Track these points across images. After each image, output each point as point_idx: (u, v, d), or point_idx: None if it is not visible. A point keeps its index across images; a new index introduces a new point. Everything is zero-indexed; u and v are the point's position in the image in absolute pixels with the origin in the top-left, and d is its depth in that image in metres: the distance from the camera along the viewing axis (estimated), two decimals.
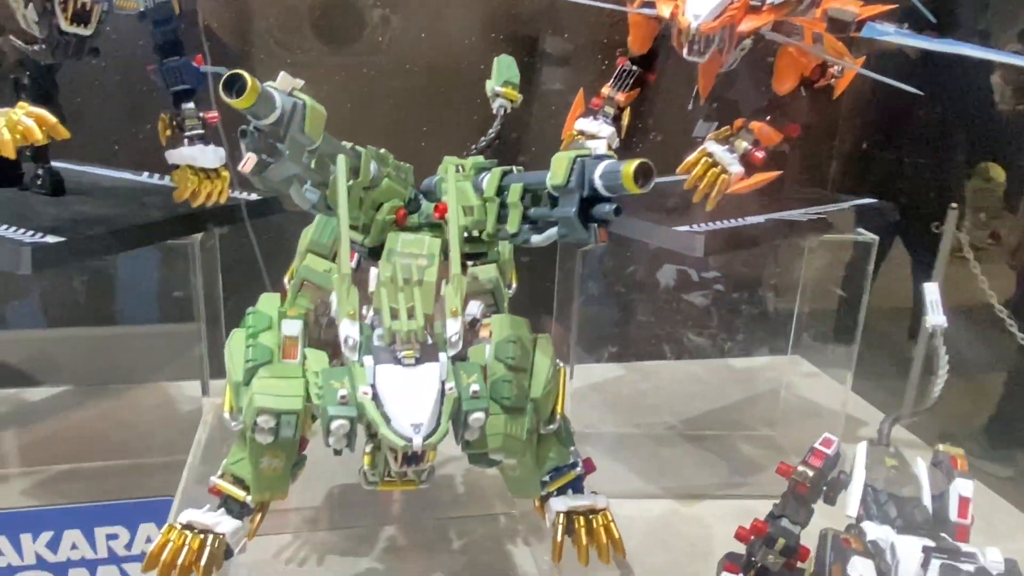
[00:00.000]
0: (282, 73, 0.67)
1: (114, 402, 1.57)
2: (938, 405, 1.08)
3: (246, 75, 0.62)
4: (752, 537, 1.04)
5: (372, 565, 1.16)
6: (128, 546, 1.00)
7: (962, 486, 0.89)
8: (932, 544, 0.82)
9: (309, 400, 0.72)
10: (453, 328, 0.75)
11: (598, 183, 0.67)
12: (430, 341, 0.72)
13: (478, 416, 0.70)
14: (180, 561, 0.75)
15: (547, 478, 0.87)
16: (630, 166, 0.63)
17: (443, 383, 0.70)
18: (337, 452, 0.72)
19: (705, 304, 1.78)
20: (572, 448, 0.88)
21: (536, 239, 0.77)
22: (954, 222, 1.63)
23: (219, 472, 0.82)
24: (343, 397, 0.67)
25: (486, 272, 0.93)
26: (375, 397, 0.68)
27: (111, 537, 0.99)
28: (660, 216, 1.16)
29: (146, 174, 1.35)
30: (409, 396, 0.67)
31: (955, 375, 1.03)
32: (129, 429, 1.50)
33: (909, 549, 0.81)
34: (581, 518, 0.83)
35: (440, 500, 1.33)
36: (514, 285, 1.02)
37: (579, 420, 1.68)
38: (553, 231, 0.74)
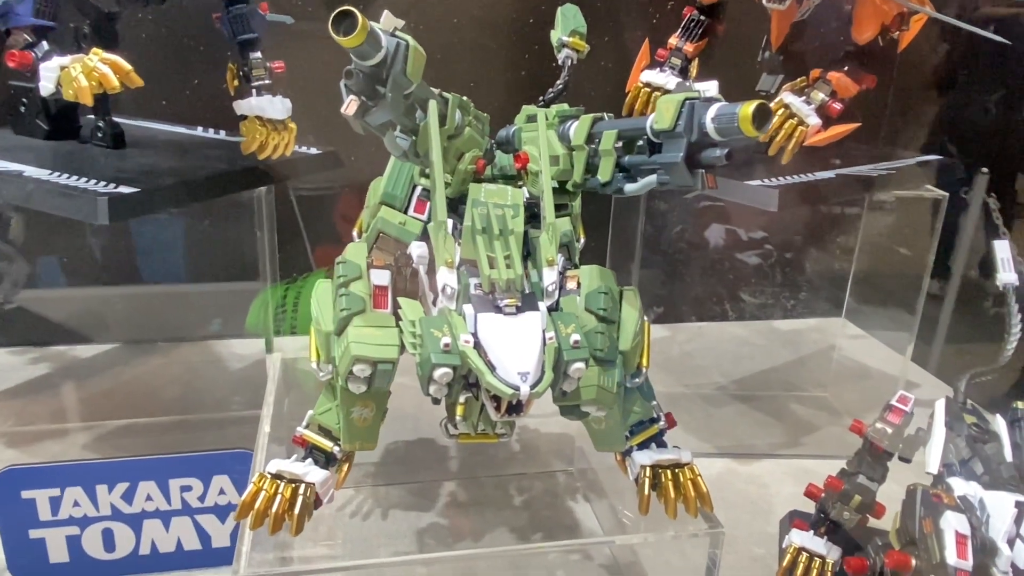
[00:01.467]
0: (386, 12, 0.65)
1: (167, 359, 1.57)
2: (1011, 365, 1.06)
3: (356, 12, 0.59)
4: (823, 495, 1.04)
5: (435, 520, 1.17)
6: (201, 498, 1.01)
7: None
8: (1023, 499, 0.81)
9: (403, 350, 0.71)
10: (550, 278, 0.74)
11: (709, 126, 0.64)
12: (528, 290, 0.71)
13: (579, 366, 0.69)
14: (274, 510, 0.76)
15: (630, 432, 0.86)
16: (748, 107, 0.61)
17: (543, 332, 0.69)
18: (436, 401, 0.71)
19: (752, 264, 1.75)
20: (654, 403, 0.87)
21: (631, 188, 0.75)
22: (983, 187, 1.59)
23: (304, 423, 0.82)
24: (446, 345, 0.66)
25: (562, 225, 0.92)
26: (477, 346, 0.67)
27: (185, 489, 0.99)
28: (728, 170, 1.13)
29: (200, 128, 1.33)
30: (514, 345, 0.66)
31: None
32: (184, 385, 1.50)
33: (1001, 504, 0.80)
34: (668, 471, 0.83)
35: (496, 458, 1.33)
36: (582, 239, 1.00)
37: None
38: (651, 179, 0.71)
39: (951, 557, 0.75)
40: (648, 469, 0.83)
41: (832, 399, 1.58)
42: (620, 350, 0.78)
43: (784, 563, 1.04)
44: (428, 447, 1.33)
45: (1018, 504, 0.79)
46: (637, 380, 0.82)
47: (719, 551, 0.82)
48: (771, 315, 1.89)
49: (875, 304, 1.68)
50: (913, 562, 0.80)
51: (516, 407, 0.68)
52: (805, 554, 1.03)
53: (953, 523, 0.77)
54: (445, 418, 0.83)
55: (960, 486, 0.85)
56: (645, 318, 0.83)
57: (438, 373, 0.66)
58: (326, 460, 0.81)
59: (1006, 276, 1.05)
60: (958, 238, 1.85)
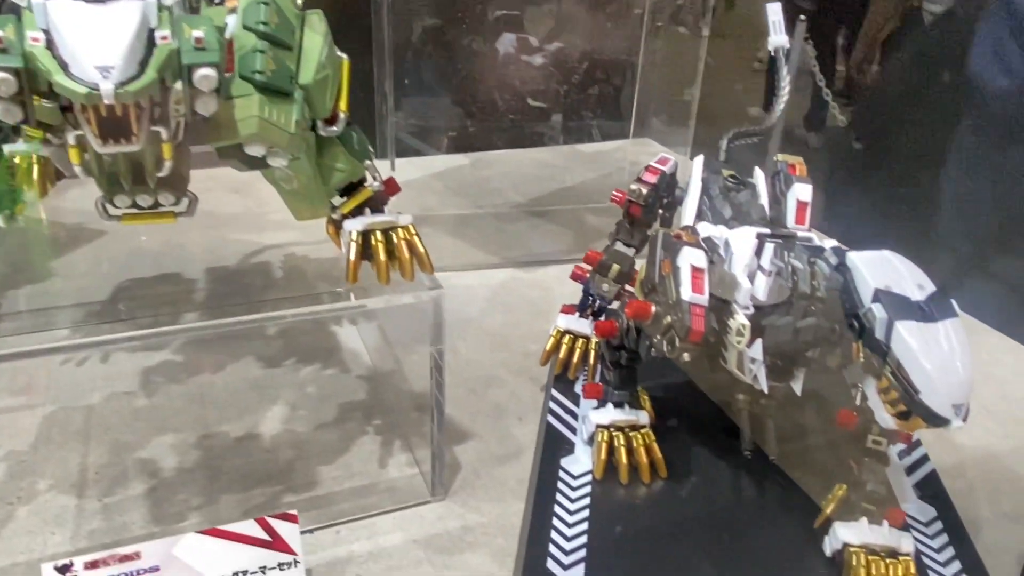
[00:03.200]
0: None
1: None
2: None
3: None
4: (588, 275, 0.97)
5: (169, 358, 1.01)
6: None
7: (800, 191, 0.82)
8: (767, 231, 0.75)
9: None
10: None
11: None
12: None
13: (205, 73, 0.54)
14: None
15: (339, 199, 0.73)
16: None
17: (152, 31, 0.52)
18: (11, 130, 0.54)
19: (546, 75, 1.63)
20: (368, 163, 0.74)
21: None
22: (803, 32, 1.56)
23: None
24: (0, 42, 0.49)
25: None
26: (50, 45, 0.50)
27: None
28: None
29: None
30: (94, 35, 0.49)
31: None
32: None
33: (743, 239, 0.74)
34: (379, 233, 0.70)
35: (253, 285, 1.17)
36: None
37: (416, 206, 1.56)
38: None
39: (686, 292, 0.68)
40: (356, 233, 0.70)
41: None
42: (300, 84, 0.63)
43: (548, 346, 0.97)
44: (171, 282, 1.15)
45: (759, 236, 0.73)
46: (334, 129, 0.68)
47: (440, 311, 0.72)
48: (577, 140, 1.81)
49: (668, 123, 1.63)
50: (653, 308, 0.73)
51: (118, 126, 0.52)
52: (569, 335, 0.97)
53: (689, 258, 0.70)
54: (100, 195, 0.66)
55: (707, 229, 0.78)
56: (343, 55, 0.68)
57: None
58: None
59: (777, 39, 0.98)
60: None
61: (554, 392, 0.93)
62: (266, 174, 0.67)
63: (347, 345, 1.06)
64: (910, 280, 0.61)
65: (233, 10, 0.63)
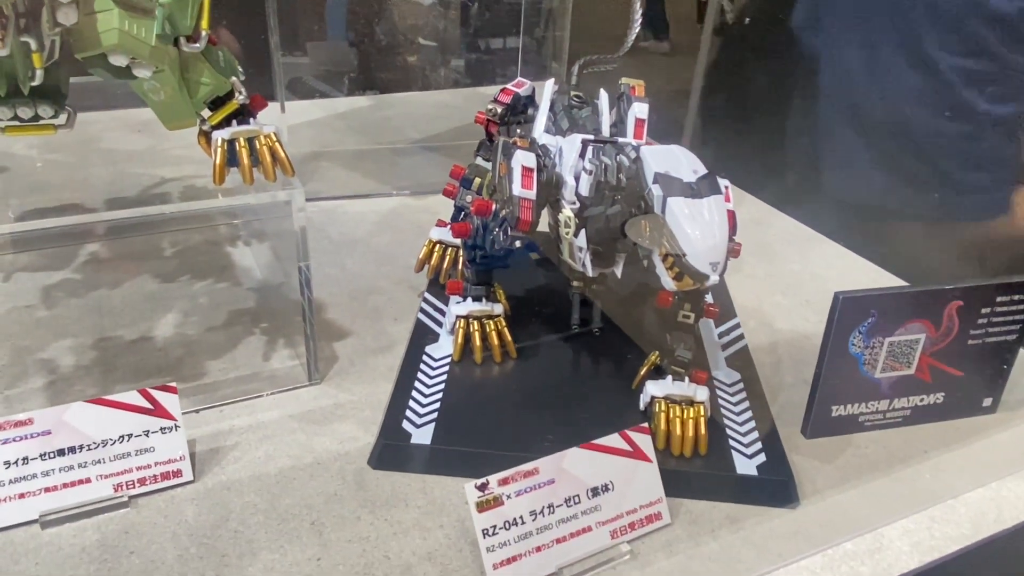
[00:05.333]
0: None
1: None
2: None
3: None
4: (458, 191, 1.07)
5: (69, 276, 1.08)
6: None
7: (638, 109, 0.93)
8: (591, 137, 0.86)
9: None
10: None
11: None
12: None
13: None
14: None
15: (208, 111, 0.81)
16: None
17: None
18: None
19: (436, 15, 1.71)
20: (235, 79, 0.82)
21: None
22: None
23: None
24: None
25: None
26: None
27: None
28: None
29: None
30: None
31: None
32: None
33: (572, 144, 0.85)
34: (243, 139, 0.79)
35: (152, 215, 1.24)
36: None
37: (318, 142, 1.64)
38: None
39: (517, 188, 0.79)
40: (221, 140, 0.79)
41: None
42: (161, 2, 0.71)
43: (421, 255, 1.08)
44: (70, 211, 1.21)
45: (584, 141, 0.84)
46: (197, 45, 0.76)
47: (303, 208, 0.81)
48: (479, 83, 1.89)
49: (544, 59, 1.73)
50: (494, 206, 0.84)
51: None
52: (440, 245, 1.07)
53: (521, 159, 0.81)
54: None
55: (545, 139, 0.89)
56: None
57: None
58: None
59: None
60: None
61: (426, 295, 1.04)
62: (135, 85, 0.75)
63: (240, 263, 1.14)
64: (687, 166, 0.73)
65: None
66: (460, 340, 0.91)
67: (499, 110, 0.99)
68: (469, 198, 1.03)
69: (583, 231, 0.82)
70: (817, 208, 1.38)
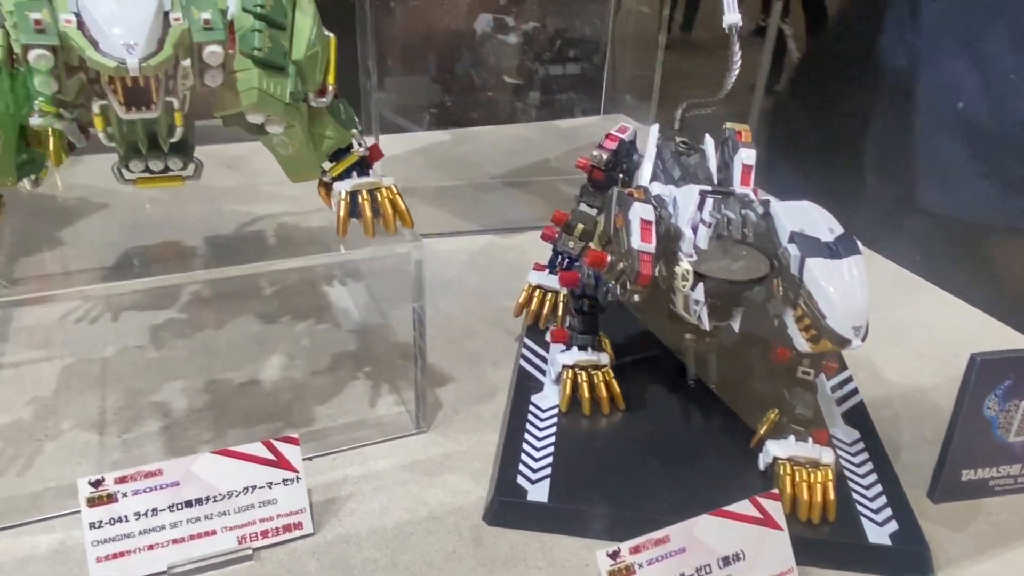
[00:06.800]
0: None
1: None
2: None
3: None
4: (557, 235, 1.07)
5: (174, 316, 1.10)
6: None
7: (745, 155, 0.91)
8: (708, 188, 0.84)
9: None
10: None
11: None
12: None
13: (214, 50, 0.63)
14: None
15: (329, 164, 0.82)
16: None
17: (167, 14, 0.61)
18: (64, 115, 0.63)
19: (521, 53, 1.72)
20: (355, 131, 0.83)
21: None
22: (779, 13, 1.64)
23: None
24: (38, 22, 0.57)
25: None
26: (81, 25, 0.58)
27: None
28: None
29: None
30: (120, 17, 0.58)
31: None
32: None
33: (689, 195, 0.83)
34: (365, 192, 0.80)
35: (248, 252, 1.27)
36: None
37: (400, 177, 1.64)
38: None
39: (636, 241, 0.78)
40: (344, 193, 0.80)
41: None
42: (293, 60, 0.72)
43: (521, 299, 1.07)
44: (171, 250, 1.24)
45: (701, 192, 0.83)
46: (324, 100, 0.77)
47: (421, 260, 0.81)
48: (552, 117, 1.90)
49: (638, 98, 1.72)
50: (608, 258, 0.83)
51: (141, 95, 0.61)
52: (540, 290, 1.07)
53: (639, 212, 0.79)
54: (116, 162, 0.75)
55: (658, 188, 0.88)
56: (330, 33, 0.77)
57: (33, 56, 0.58)
58: None
59: (731, 17, 1.06)
60: None
61: (527, 340, 1.03)
62: (264, 141, 0.76)
63: (338, 303, 1.15)
64: (822, 224, 0.71)
65: None
66: (568, 391, 0.90)
67: (604, 157, 0.99)
68: (571, 244, 1.02)
69: (701, 284, 0.80)
70: (918, 251, 1.34)
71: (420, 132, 1.76)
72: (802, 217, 0.72)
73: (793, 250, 0.69)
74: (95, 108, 0.64)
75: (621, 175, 1.03)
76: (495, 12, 1.67)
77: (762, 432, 0.83)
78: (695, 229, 0.80)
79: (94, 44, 0.58)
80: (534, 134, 1.84)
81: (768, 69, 1.73)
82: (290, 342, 1.05)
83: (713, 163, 0.94)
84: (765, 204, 0.77)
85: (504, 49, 1.64)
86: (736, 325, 0.83)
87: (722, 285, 0.79)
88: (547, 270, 1.07)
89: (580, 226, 1.01)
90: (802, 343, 0.71)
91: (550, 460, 0.82)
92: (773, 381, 0.87)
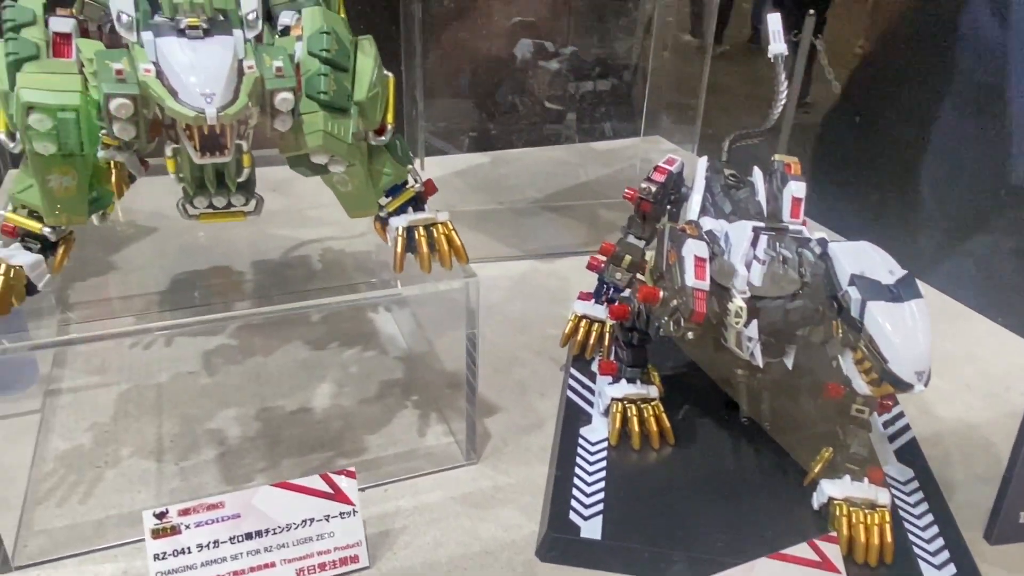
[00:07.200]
0: None
1: None
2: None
3: None
4: (603, 265, 1.07)
5: (225, 342, 1.12)
6: None
7: (795, 188, 0.91)
8: (762, 225, 0.85)
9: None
10: (248, 5, 0.67)
11: None
12: (222, 19, 0.64)
13: (285, 96, 0.64)
14: None
15: (386, 199, 0.83)
16: None
17: (241, 61, 0.63)
18: (126, 147, 0.65)
19: (561, 79, 1.73)
20: (411, 167, 0.84)
21: None
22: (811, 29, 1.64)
23: (9, 207, 0.73)
24: (119, 71, 0.59)
25: None
26: (159, 75, 0.60)
27: None
28: None
29: None
30: (198, 67, 0.60)
31: None
32: None
33: (741, 231, 0.83)
34: (421, 228, 0.81)
35: (295, 277, 1.28)
36: (342, 15, 0.93)
37: (440, 203, 1.66)
38: None
39: (690, 279, 0.78)
40: (402, 229, 0.81)
41: None
42: (355, 100, 0.73)
43: (567, 330, 1.07)
44: (221, 274, 1.27)
45: (755, 228, 0.83)
46: (383, 139, 0.78)
47: (476, 298, 0.82)
48: (588, 138, 1.90)
49: (676, 120, 1.72)
50: (661, 293, 0.83)
51: (216, 142, 0.63)
52: (586, 320, 1.07)
53: (693, 249, 0.80)
54: (181, 197, 0.77)
55: (709, 223, 0.88)
56: (389, 73, 0.79)
57: (114, 104, 0.59)
58: (42, 247, 0.74)
59: (776, 47, 1.07)
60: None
61: (573, 370, 1.03)
62: (325, 179, 0.78)
63: (384, 330, 1.16)
64: (882, 266, 0.71)
65: (299, 38, 0.73)
66: (618, 425, 0.90)
67: (653, 189, 0.99)
68: (619, 275, 1.02)
69: (755, 321, 0.80)
70: (968, 281, 1.33)
71: (459, 154, 1.77)
72: (861, 259, 0.72)
73: (853, 293, 0.69)
74: (168, 151, 0.66)
75: (669, 206, 1.03)
76: (535, 38, 1.68)
77: (816, 471, 0.83)
78: (748, 266, 0.81)
79: (173, 93, 0.60)
80: (572, 156, 1.84)
81: (800, 87, 1.73)
82: (338, 369, 1.06)
83: (763, 196, 0.94)
84: (822, 244, 0.77)
85: (544, 75, 1.65)
86: (789, 362, 0.83)
87: (776, 323, 0.79)
88: (592, 300, 1.08)
89: (628, 257, 1.01)
90: (862, 386, 0.70)
91: (601, 496, 0.82)
92: (825, 417, 0.87)
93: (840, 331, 0.71)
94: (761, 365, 0.83)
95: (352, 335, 1.14)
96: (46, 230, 0.73)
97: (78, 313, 1.17)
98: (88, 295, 1.19)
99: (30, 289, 0.72)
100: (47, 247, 0.74)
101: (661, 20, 1.56)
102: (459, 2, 1.48)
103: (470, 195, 1.63)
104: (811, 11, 1.62)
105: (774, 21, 1.07)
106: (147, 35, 0.61)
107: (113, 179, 0.86)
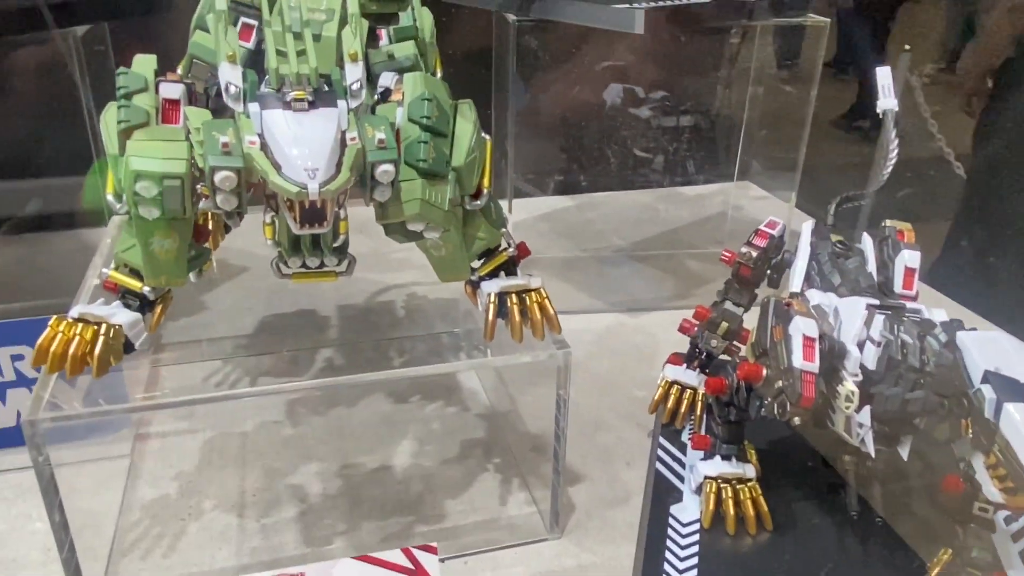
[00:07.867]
0: None
1: (28, 248, 1.46)
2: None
3: None
4: (696, 329, 1.02)
5: (309, 392, 1.12)
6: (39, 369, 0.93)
7: (908, 257, 0.86)
8: (876, 302, 0.79)
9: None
10: (353, 75, 0.66)
11: None
12: (327, 89, 0.64)
13: (386, 168, 0.63)
14: (72, 351, 0.69)
15: (478, 262, 0.81)
16: None
17: (344, 133, 0.62)
18: (229, 217, 0.65)
19: (651, 126, 1.70)
20: (504, 230, 0.82)
21: None
22: (907, 63, 1.57)
23: (112, 265, 0.75)
24: (225, 145, 0.59)
25: (403, 49, 0.84)
26: (264, 147, 0.60)
27: (16, 358, 0.92)
28: None
29: None
30: (302, 141, 0.59)
31: None
32: (44, 274, 1.40)
33: (853, 309, 0.78)
34: (514, 295, 0.78)
35: (379, 323, 1.28)
36: (439, 72, 0.92)
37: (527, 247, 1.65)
38: None
39: (798, 360, 0.73)
40: (494, 296, 0.79)
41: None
42: (453, 166, 0.72)
43: (657, 396, 1.03)
44: (306, 317, 1.28)
45: (869, 307, 0.77)
46: (479, 203, 0.77)
47: (567, 369, 0.79)
48: (676, 182, 1.86)
49: (771, 166, 1.66)
50: (764, 371, 0.78)
51: (316, 215, 0.62)
52: (677, 386, 1.02)
53: (801, 327, 0.75)
54: (275, 257, 0.77)
55: (817, 297, 0.83)
56: (486, 135, 0.77)
57: (219, 177, 0.59)
58: (141, 304, 0.75)
59: (886, 102, 1.01)
60: None
61: (662, 440, 0.99)
62: (419, 243, 0.76)
63: (466, 385, 1.14)
64: (1019, 362, 0.64)
65: (399, 103, 0.72)
66: (711, 506, 0.85)
67: (754, 254, 0.94)
68: (714, 343, 0.98)
69: (867, 408, 0.74)
70: None
71: (544, 197, 1.75)
72: (996, 352, 0.66)
73: (988, 392, 0.63)
74: (266, 218, 0.66)
75: (769, 271, 0.98)
76: (624, 82, 1.66)
77: (934, 575, 0.76)
78: (861, 346, 0.75)
79: (277, 167, 0.59)
80: (659, 201, 1.80)
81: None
82: (420, 425, 1.04)
83: (873, 264, 0.88)
84: (949, 331, 0.71)
85: (634, 122, 1.62)
86: (905, 453, 0.77)
87: (892, 412, 0.73)
88: (684, 364, 1.03)
89: (725, 324, 0.97)
90: (994, 492, 0.64)
91: None
92: (943, 510, 0.80)
93: (971, 431, 0.65)
94: (873, 455, 0.77)
95: (434, 389, 1.12)
96: (146, 289, 0.73)
97: (168, 354, 1.20)
98: (178, 335, 1.21)
99: (127, 347, 0.73)
100: (145, 304, 0.75)
101: (755, 58, 1.50)
102: (551, 51, 1.47)
103: (554, 241, 1.61)
104: (907, 46, 1.54)
105: (883, 75, 1.01)
106: (253, 107, 0.61)
107: (212, 229, 0.87)
